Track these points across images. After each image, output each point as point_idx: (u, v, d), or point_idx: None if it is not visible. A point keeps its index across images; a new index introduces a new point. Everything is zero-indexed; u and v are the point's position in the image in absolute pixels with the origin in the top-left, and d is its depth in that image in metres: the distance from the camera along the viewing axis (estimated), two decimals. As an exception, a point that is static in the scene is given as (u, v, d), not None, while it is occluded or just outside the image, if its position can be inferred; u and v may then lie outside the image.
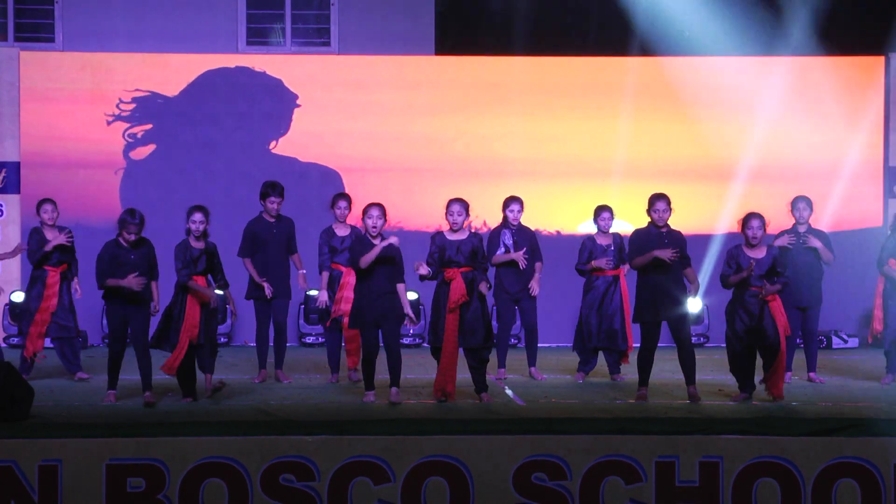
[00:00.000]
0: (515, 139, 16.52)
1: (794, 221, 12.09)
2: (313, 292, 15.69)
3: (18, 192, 16.12)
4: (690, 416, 9.94)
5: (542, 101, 16.51)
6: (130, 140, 16.44)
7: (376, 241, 10.73)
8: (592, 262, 12.19)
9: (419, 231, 16.25)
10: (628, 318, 12.03)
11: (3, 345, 15.02)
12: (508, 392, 11.40)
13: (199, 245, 10.86)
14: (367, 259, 10.61)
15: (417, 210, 16.38)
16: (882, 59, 16.65)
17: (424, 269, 10.61)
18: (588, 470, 8.70)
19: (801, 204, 12.07)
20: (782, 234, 11.98)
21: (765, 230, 10.86)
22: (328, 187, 16.27)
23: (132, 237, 10.79)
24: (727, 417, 9.72)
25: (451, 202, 10.85)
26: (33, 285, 12.39)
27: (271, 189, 12.12)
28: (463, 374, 11.01)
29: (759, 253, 10.83)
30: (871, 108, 16.62)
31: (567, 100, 16.44)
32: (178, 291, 10.79)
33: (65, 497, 8.52)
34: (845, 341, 15.60)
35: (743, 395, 10.99)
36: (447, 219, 10.82)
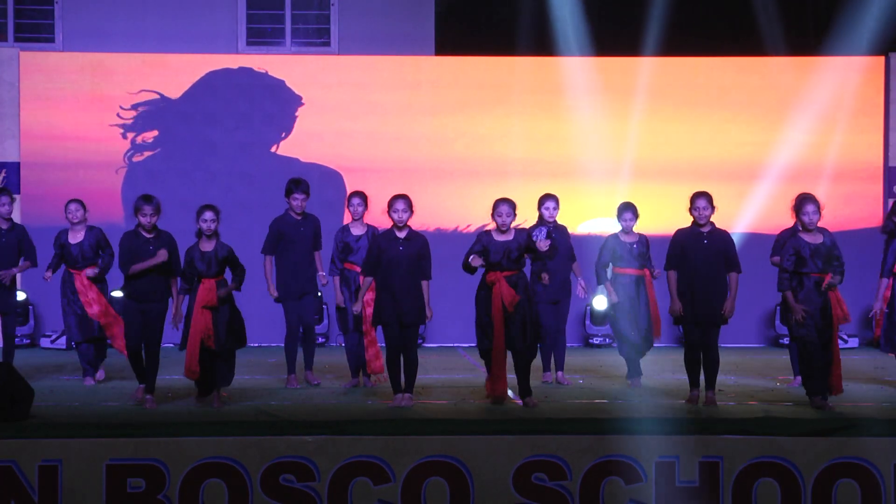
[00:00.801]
0: (516, 139, 16.51)
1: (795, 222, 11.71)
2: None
3: (18, 192, 16.12)
4: (690, 416, 9.93)
5: (543, 101, 16.51)
6: (130, 149, 16.43)
7: (401, 235, 10.55)
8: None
9: (419, 231, 16.24)
10: (656, 322, 11.77)
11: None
12: (509, 393, 11.38)
13: (209, 247, 10.55)
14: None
15: (417, 210, 16.30)
16: (882, 59, 16.65)
17: (478, 261, 10.36)
18: (588, 470, 8.70)
19: (809, 207, 11.11)
20: (783, 232, 11.66)
21: (820, 214, 10.45)
22: (329, 188, 16.27)
23: (147, 220, 10.57)
24: (727, 417, 9.71)
25: (498, 203, 10.53)
26: (65, 290, 12.13)
27: (295, 185, 11.84)
28: (465, 375, 10.97)
29: (817, 238, 10.40)
30: (871, 108, 16.62)
31: (567, 100, 16.43)
32: (190, 295, 10.58)
33: (65, 497, 8.52)
34: (845, 341, 15.59)
35: (819, 400, 10.30)
36: (495, 220, 10.50)
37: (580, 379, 12.48)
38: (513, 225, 10.58)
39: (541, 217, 12.03)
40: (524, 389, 10.57)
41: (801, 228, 10.54)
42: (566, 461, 8.70)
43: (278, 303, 11.96)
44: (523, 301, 10.48)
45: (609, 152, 16.39)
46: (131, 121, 16.43)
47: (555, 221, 12.03)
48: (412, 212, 10.65)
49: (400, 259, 10.48)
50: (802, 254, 10.36)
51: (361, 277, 11.29)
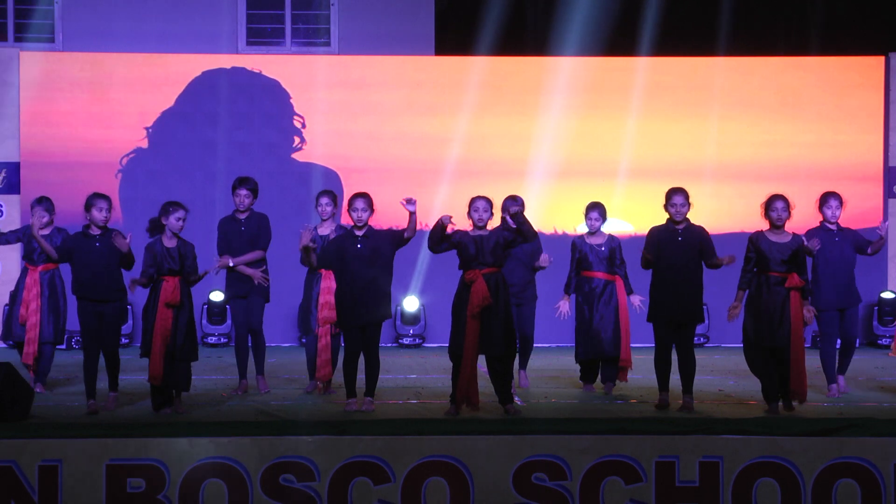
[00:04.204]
0: (515, 139, 16.51)
1: (822, 219, 11.48)
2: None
3: (18, 192, 16.12)
4: (690, 416, 9.93)
5: (542, 101, 16.50)
6: (130, 151, 16.42)
7: (360, 234, 10.32)
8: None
9: (418, 231, 16.23)
10: (624, 327, 11.43)
11: (3, 345, 15.03)
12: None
13: (173, 243, 10.34)
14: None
15: (418, 210, 16.33)
16: (882, 59, 16.65)
17: (447, 218, 9.97)
18: (588, 470, 8.70)
19: (833, 202, 11.44)
20: (809, 231, 11.31)
21: (790, 212, 10.31)
22: (328, 188, 16.24)
23: (103, 216, 10.29)
24: (727, 417, 9.71)
25: (475, 199, 10.21)
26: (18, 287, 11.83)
27: (240, 182, 11.54)
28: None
29: (784, 237, 10.28)
30: (871, 108, 16.62)
31: (567, 100, 16.43)
32: (150, 293, 10.32)
33: (65, 497, 8.51)
34: (845, 341, 15.57)
35: (774, 407, 10.24)
36: (471, 216, 10.17)
37: (580, 379, 12.46)
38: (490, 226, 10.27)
39: (504, 221, 11.33)
40: (505, 396, 10.19)
41: (770, 227, 10.36)
42: (566, 461, 8.70)
43: (226, 304, 11.65)
44: (502, 303, 10.09)
45: (609, 152, 16.40)
46: (130, 122, 16.43)
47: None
48: (372, 210, 10.39)
49: (358, 257, 10.24)
50: (764, 251, 10.23)
51: (323, 275, 11.17)
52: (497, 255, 10.11)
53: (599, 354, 11.51)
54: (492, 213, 10.24)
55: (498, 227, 10.41)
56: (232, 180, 16.50)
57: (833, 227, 11.38)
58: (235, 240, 11.45)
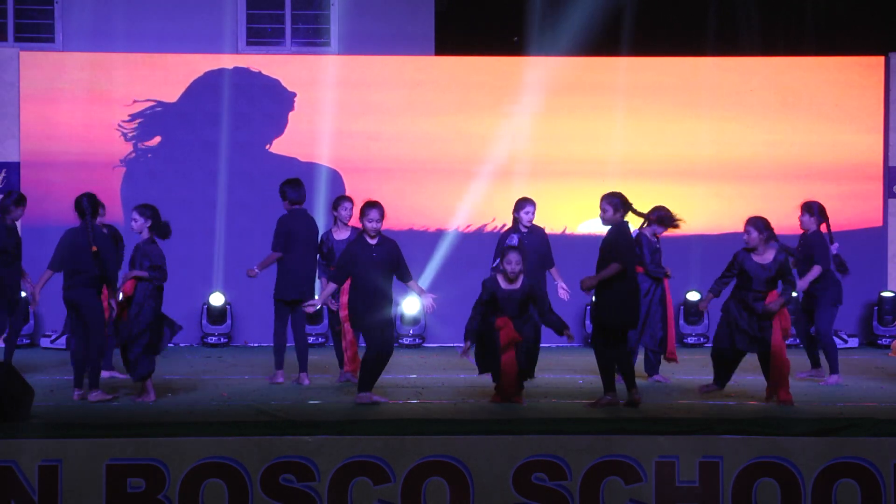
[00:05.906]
0: (515, 139, 16.50)
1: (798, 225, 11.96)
2: None
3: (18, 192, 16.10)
4: (690, 416, 9.93)
5: (543, 100, 16.49)
6: (132, 151, 16.41)
7: (373, 242, 10.61)
8: None
9: (419, 231, 16.25)
10: (670, 321, 11.92)
11: (2, 344, 15.02)
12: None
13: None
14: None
15: (417, 210, 16.36)
16: (882, 59, 16.66)
17: (467, 347, 10.65)
18: (588, 470, 8.71)
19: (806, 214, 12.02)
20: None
21: (770, 231, 10.79)
22: (328, 187, 16.26)
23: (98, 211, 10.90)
24: (727, 417, 9.72)
25: (510, 252, 10.65)
26: None
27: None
28: (465, 375, 10.99)
29: (767, 257, 10.75)
30: (871, 108, 16.62)
31: (567, 100, 16.43)
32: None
33: (65, 497, 8.52)
34: (845, 341, 15.59)
35: (713, 386, 11.19)
36: (505, 268, 10.60)
37: (580, 379, 12.49)
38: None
39: (516, 221, 12.02)
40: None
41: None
42: (566, 461, 8.71)
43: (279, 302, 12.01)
44: (529, 336, 10.69)
45: (609, 152, 16.39)
46: (131, 121, 16.42)
47: (532, 224, 12.06)
48: (383, 218, 10.70)
49: (374, 265, 10.56)
50: (746, 269, 10.77)
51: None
52: (524, 307, 10.67)
53: (654, 348, 12.04)
54: (523, 266, 10.65)
55: (526, 283, 10.71)
56: (232, 180, 16.63)
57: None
58: (297, 237, 11.91)
